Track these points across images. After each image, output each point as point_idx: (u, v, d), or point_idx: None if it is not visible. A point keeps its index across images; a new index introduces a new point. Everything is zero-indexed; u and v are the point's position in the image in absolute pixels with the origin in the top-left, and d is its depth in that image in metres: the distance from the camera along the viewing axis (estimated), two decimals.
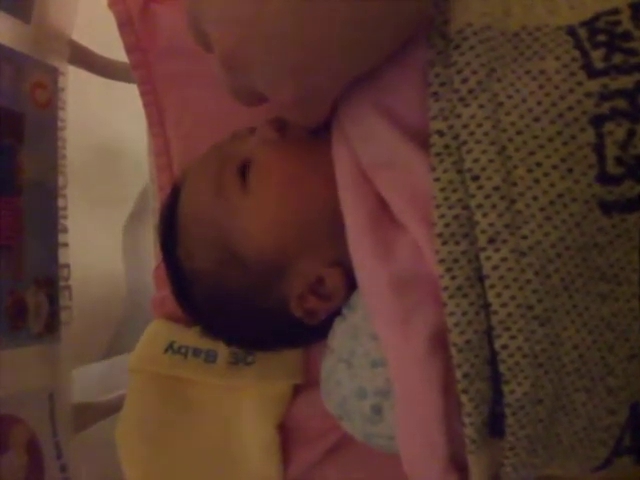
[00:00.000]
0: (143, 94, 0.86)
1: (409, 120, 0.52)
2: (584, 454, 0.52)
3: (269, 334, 0.70)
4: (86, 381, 0.93)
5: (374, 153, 0.54)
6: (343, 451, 0.76)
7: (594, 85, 0.47)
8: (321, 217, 0.61)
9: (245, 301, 0.65)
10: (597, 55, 0.47)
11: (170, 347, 0.79)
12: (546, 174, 0.46)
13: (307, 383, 0.77)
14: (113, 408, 0.84)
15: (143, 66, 0.85)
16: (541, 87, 0.47)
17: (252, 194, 0.62)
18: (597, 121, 0.47)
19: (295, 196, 0.62)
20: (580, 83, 0.47)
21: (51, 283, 0.81)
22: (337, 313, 0.63)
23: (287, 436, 0.76)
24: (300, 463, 0.76)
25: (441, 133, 0.49)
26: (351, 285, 0.61)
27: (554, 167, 0.46)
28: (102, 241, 1.14)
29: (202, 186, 0.66)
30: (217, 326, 0.71)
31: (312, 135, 0.65)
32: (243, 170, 0.63)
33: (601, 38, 0.48)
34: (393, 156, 0.52)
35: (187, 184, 0.68)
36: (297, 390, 0.78)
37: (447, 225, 0.48)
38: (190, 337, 0.78)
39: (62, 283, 0.83)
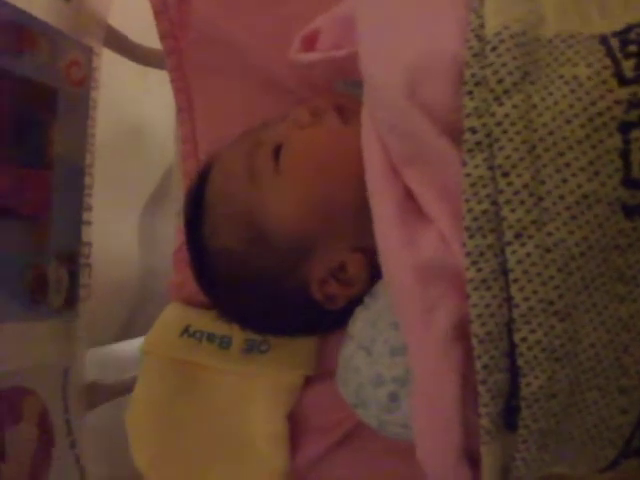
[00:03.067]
0: (174, 81, 0.87)
1: (441, 115, 0.52)
2: (593, 452, 0.53)
3: (286, 317, 0.71)
4: (100, 361, 0.93)
5: (405, 146, 0.55)
6: (351, 444, 0.77)
7: (624, 93, 0.48)
8: (349, 203, 0.62)
9: (267, 281, 0.66)
10: (628, 65, 0.48)
11: (185, 331, 0.80)
12: (574, 175, 0.47)
13: (319, 375, 0.78)
14: (125, 389, 0.85)
15: (176, 53, 0.86)
16: (573, 92, 0.48)
17: (284, 174, 0.64)
18: (625, 128, 0.48)
19: (325, 180, 0.63)
20: (611, 90, 0.48)
21: (73, 259, 0.82)
22: (356, 302, 0.64)
23: (296, 426, 0.77)
24: (307, 454, 0.77)
25: (474, 130, 0.50)
26: (373, 274, 0.62)
27: (581, 169, 0.47)
28: (120, 223, 1.14)
29: (234, 166, 0.67)
30: (235, 307, 0.72)
31: (346, 122, 0.66)
32: (276, 152, 0.64)
33: (632, 49, 0.49)
34: (424, 150, 0.53)
35: (217, 165, 0.70)
36: (309, 381, 0.78)
37: (475, 219, 0.49)
38: (206, 322, 0.79)
39: (83, 260, 0.84)
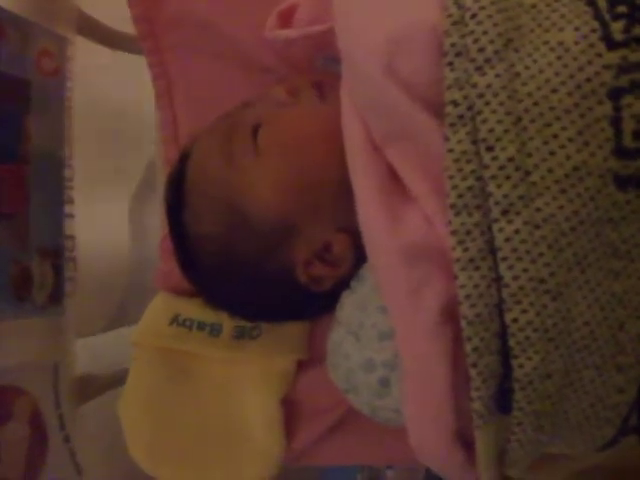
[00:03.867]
0: (151, 65, 0.85)
1: (422, 89, 0.51)
2: (590, 432, 0.52)
3: (273, 302, 0.70)
4: (90, 353, 0.93)
5: (386, 123, 0.54)
6: (346, 428, 0.77)
7: (613, 57, 0.46)
8: (330, 182, 0.61)
9: (250, 266, 0.65)
10: (617, 27, 0.46)
11: (175, 320, 0.78)
12: (562, 146, 0.46)
13: (311, 359, 0.77)
14: (117, 380, 0.85)
15: (151, 37, 0.83)
16: (559, 58, 0.47)
17: (262, 155, 0.63)
18: (615, 94, 0.46)
19: (305, 158, 0.62)
20: (599, 55, 0.46)
21: (56, 254, 0.81)
22: (343, 284, 0.63)
23: (290, 411, 0.77)
24: (302, 439, 0.77)
25: (456, 103, 0.48)
26: (358, 254, 0.60)
27: (570, 139, 0.46)
28: (107, 214, 1.13)
29: (212, 149, 0.66)
30: (221, 294, 0.71)
31: (324, 99, 0.65)
32: (254, 132, 0.63)
33: (621, 9, 0.47)
34: (405, 126, 0.52)
35: (196, 149, 0.68)
36: (301, 366, 0.78)
37: (460, 196, 0.47)
38: (195, 310, 0.78)
39: (67, 254, 0.83)
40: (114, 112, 1.14)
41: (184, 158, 0.69)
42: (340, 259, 0.63)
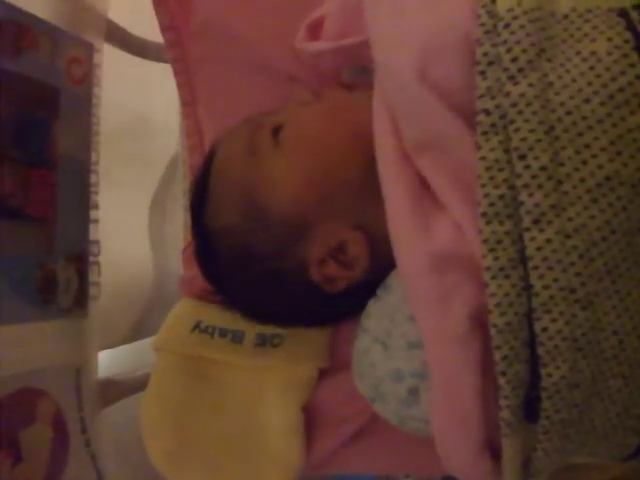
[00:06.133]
0: (176, 73, 0.86)
1: (455, 96, 0.51)
2: (616, 441, 0.52)
3: (288, 302, 0.69)
4: (111, 358, 0.93)
5: (419, 130, 0.54)
6: (367, 437, 0.76)
7: None
8: (352, 180, 0.61)
9: (266, 259, 0.65)
10: None
11: (197, 326, 0.79)
12: (594, 156, 0.46)
13: (333, 367, 0.77)
14: (138, 386, 0.85)
15: (177, 45, 0.85)
16: (592, 68, 0.47)
17: (283, 150, 0.63)
18: None
19: (326, 155, 0.62)
20: (632, 65, 0.46)
21: (81, 258, 0.81)
22: (358, 288, 0.63)
23: (311, 420, 0.76)
24: (322, 448, 0.76)
25: (488, 112, 0.48)
26: (374, 259, 0.61)
27: (602, 149, 0.46)
28: (128, 222, 1.14)
29: (235, 145, 0.67)
30: (236, 289, 0.71)
31: (350, 97, 0.65)
32: (277, 129, 0.64)
33: None
34: (438, 134, 0.52)
35: (220, 148, 0.69)
36: (322, 374, 0.77)
37: (491, 204, 0.47)
38: (217, 317, 0.78)
39: (92, 259, 0.84)
40: (135, 120, 1.15)
41: (209, 159, 0.70)
42: (354, 260, 0.63)
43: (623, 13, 0.48)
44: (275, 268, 0.66)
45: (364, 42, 0.59)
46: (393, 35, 0.56)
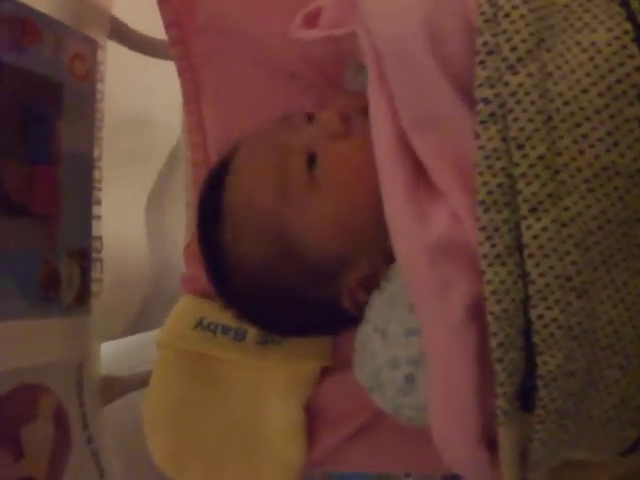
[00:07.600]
0: (180, 70, 0.86)
1: (460, 73, 0.51)
2: (613, 434, 0.52)
3: (309, 323, 0.70)
4: (113, 355, 0.93)
5: (418, 106, 0.54)
6: (369, 435, 0.76)
7: None
8: (382, 218, 0.60)
9: (294, 291, 0.66)
10: None
11: (199, 323, 0.79)
12: (591, 146, 0.46)
13: (335, 365, 0.77)
14: (140, 382, 0.85)
15: (181, 42, 0.85)
16: (591, 59, 0.47)
17: (321, 190, 0.63)
18: None
19: (364, 197, 0.61)
20: (631, 56, 0.46)
21: (84, 255, 0.82)
22: None
23: (313, 418, 0.76)
24: (324, 445, 0.76)
25: (487, 101, 0.48)
26: None
27: (600, 139, 0.46)
28: (129, 216, 1.14)
29: (261, 175, 0.66)
30: (255, 313, 0.72)
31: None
32: (310, 164, 0.63)
33: None
34: (439, 111, 0.52)
35: (240, 168, 0.68)
36: (324, 372, 0.77)
37: (490, 193, 0.47)
38: (220, 314, 0.78)
39: (94, 255, 0.84)
40: (136, 116, 1.15)
41: (222, 173, 0.69)
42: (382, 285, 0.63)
43: (624, 3, 0.48)
44: (303, 298, 0.66)
45: (354, 33, 0.59)
46: (391, 10, 0.56)
